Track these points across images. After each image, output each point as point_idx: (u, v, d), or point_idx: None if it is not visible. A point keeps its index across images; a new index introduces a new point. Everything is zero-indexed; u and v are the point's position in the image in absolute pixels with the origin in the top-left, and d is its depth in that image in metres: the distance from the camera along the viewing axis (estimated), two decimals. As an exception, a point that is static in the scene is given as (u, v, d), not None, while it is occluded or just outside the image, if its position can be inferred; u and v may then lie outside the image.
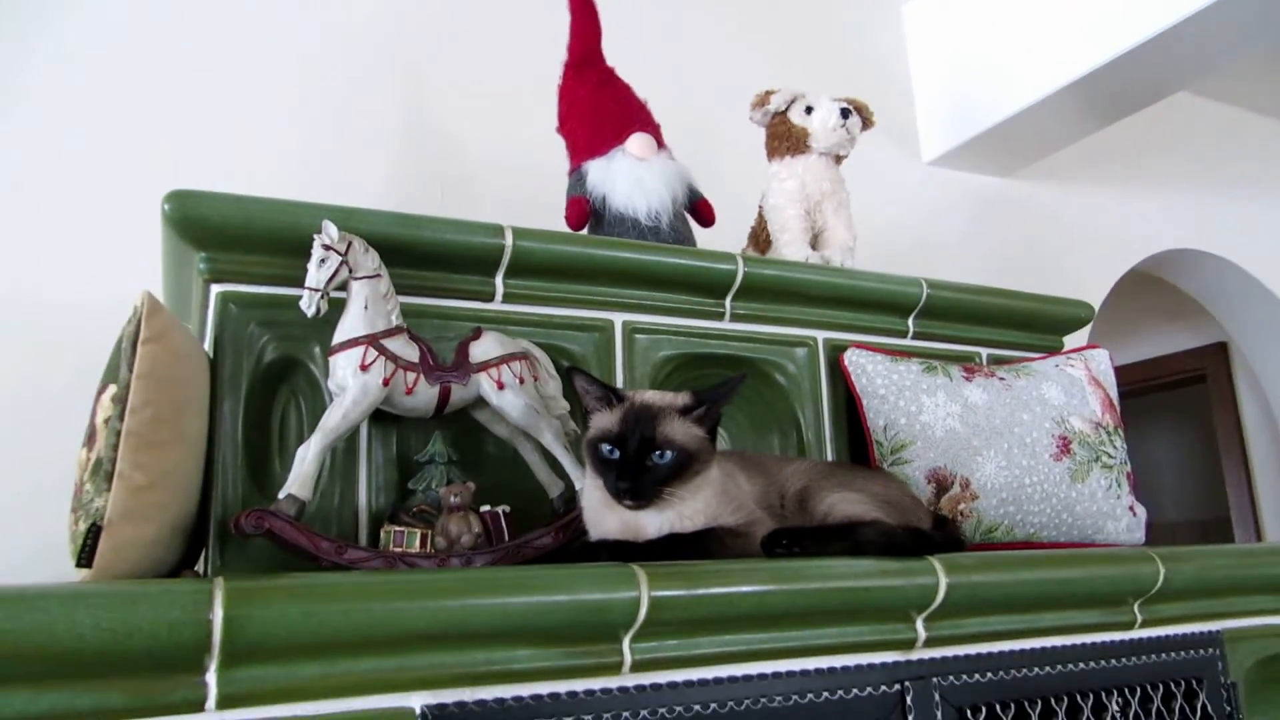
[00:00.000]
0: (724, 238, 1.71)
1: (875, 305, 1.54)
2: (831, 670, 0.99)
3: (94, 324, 1.23)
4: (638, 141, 1.53)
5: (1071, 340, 2.59)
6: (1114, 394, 1.59)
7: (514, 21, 1.96)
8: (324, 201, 1.20)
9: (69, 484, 1.04)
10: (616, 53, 1.61)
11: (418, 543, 1.07)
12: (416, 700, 0.80)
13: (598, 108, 1.57)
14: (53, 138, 1.55)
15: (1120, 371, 4.58)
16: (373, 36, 1.85)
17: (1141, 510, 1.54)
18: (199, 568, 1.11)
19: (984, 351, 1.65)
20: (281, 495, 1.04)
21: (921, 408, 1.43)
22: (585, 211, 1.51)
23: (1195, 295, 3.48)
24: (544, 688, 0.85)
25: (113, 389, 0.99)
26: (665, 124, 1.60)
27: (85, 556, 0.92)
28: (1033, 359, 1.66)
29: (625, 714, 0.88)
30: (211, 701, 0.73)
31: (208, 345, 1.15)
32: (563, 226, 1.49)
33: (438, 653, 0.82)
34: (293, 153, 1.71)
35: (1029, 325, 1.70)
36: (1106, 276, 2.89)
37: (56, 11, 1.59)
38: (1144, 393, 4.56)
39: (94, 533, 0.92)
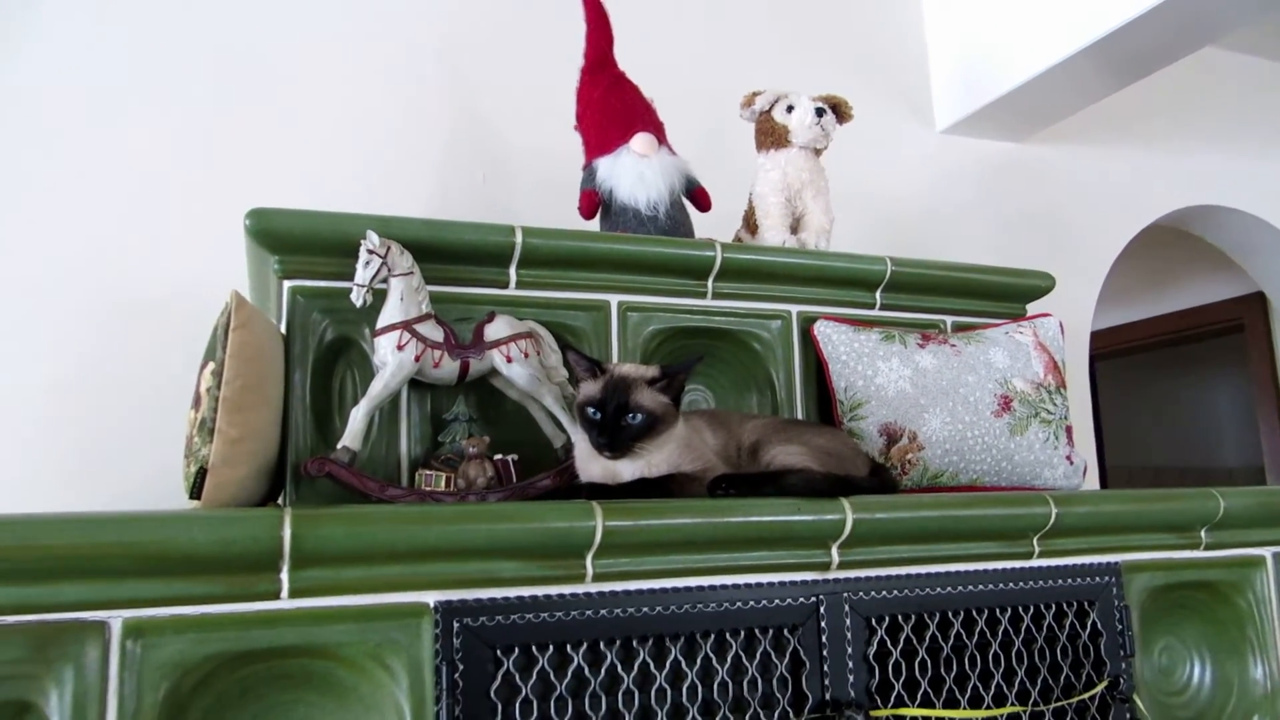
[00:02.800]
0: (736, 219, 1.95)
1: (844, 282, 1.76)
2: (758, 585, 1.26)
3: (203, 309, 1.57)
4: (641, 140, 1.75)
5: (1077, 301, 2.77)
6: (1060, 357, 1.79)
7: (545, 28, 2.19)
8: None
9: (179, 433, 1.37)
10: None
11: (443, 483, 1.37)
12: (430, 597, 1.10)
13: (608, 109, 1.79)
14: (167, 161, 1.89)
15: (1160, 321, 4.64)
16: (420, 48, 2.12)
17: (1080, 459, 1.75)
18: (280, 501, 1.43)
19: (948, 319, 1.87)
20: (338, 446, 1.35)
21: (877, 371, 1.67)
22: (595, 202, 1.75)
23: (1225, 249, 3.54)
24: (525, 591, 1.14)
25: (211, 365, 1.29)
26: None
27: (195, 491, 1.23)
28: (996, 324, 1.87)
29: (588, 612, 1.17)
30: (285, 592, 1.04)
31: (282, 328, 1.46)
32: (577, 216, 1.75)
33: (446, 563, 1.11)
34: (354, 149, 2.01)
35: (991, 295, 1.90)
36: (1121, 234, 2.99)
37: (156, 56, 1.91)
38: (1187, 341, 4.64)
39: (201, 474, 1.22)
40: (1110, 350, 4.79)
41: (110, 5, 1.89)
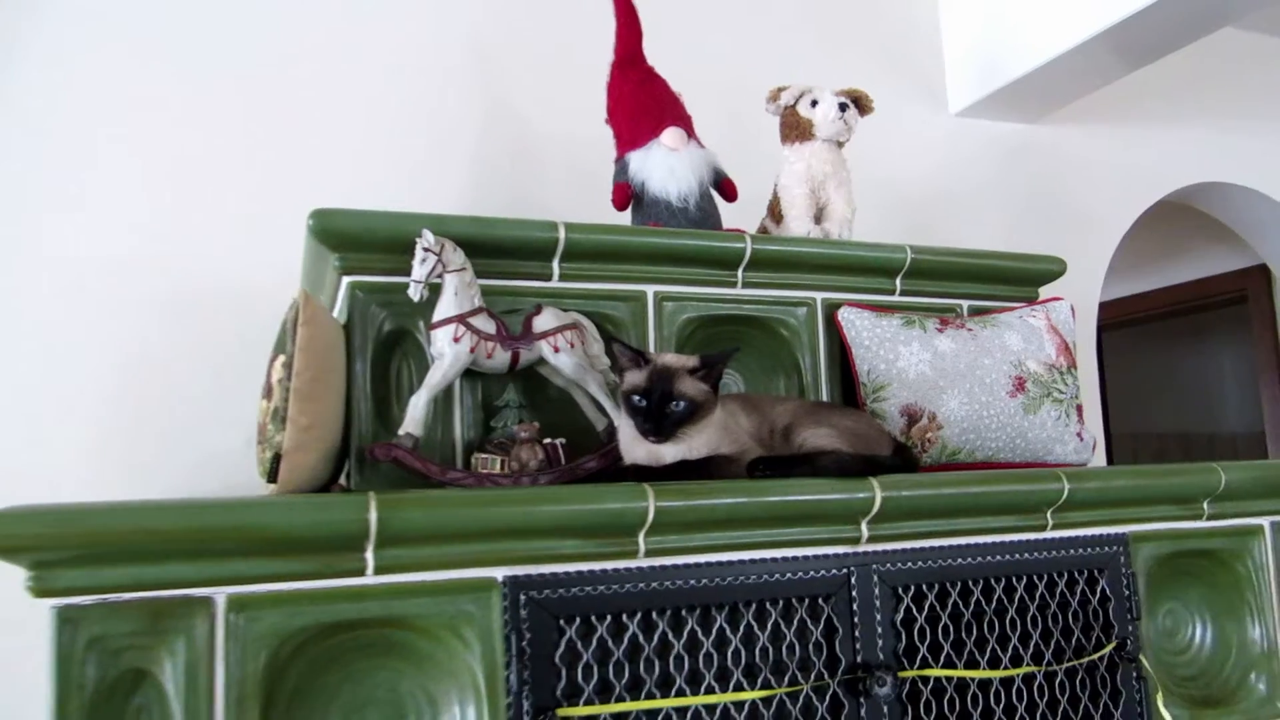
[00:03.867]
0: (761, 204, 2.03)
1: (866, 270, 1.85)
2: (795, 558, 1.37)
3: (255, 303, 1.66)
4: (671, 135, 1.82)
5: (1086, 275, 2.85)
6: (1071, 339, 1.88)
7: (574, 21, 2.27)
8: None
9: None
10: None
11: (498, 466, 1.47)
12: (499, 572, 1.20)
13: (638, 104, 1.86)
14: (218, 162, 1.97)
15: (1166, 293, 4.73)
16: (451, 43, 2.20)
17: (1090, 435, 1.85)
18: (344, 482, 1.53)
19: (964, 304, 1.96)
20: (401, 432, 1.44)
21: (898, 355, 1.76)
22: (627, 195, 1.83)
23: (1230, 224, 3.61)
24: (584, 566, 1.25)
25: (282, 358, 1.38)
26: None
27: (271, 475, 1.33)
28: (1011, 308, 1.96)
29: (640, 585, 1.27)
30: (370, 569, 1.14)
31: (341, 320, 1.55)
32: (610, 210, 1.83)
33: (513, 542, 1.21)
34: (391, 144, 2.09)
35: (1006, 280, 1.98)
36: (1130, 211, 3.06)
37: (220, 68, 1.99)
38: (1192, 312, 4.73)
39: (276, 459, 1.32)
40: (1118, 321, 4.88)
41: (158, 12, 1.97)
